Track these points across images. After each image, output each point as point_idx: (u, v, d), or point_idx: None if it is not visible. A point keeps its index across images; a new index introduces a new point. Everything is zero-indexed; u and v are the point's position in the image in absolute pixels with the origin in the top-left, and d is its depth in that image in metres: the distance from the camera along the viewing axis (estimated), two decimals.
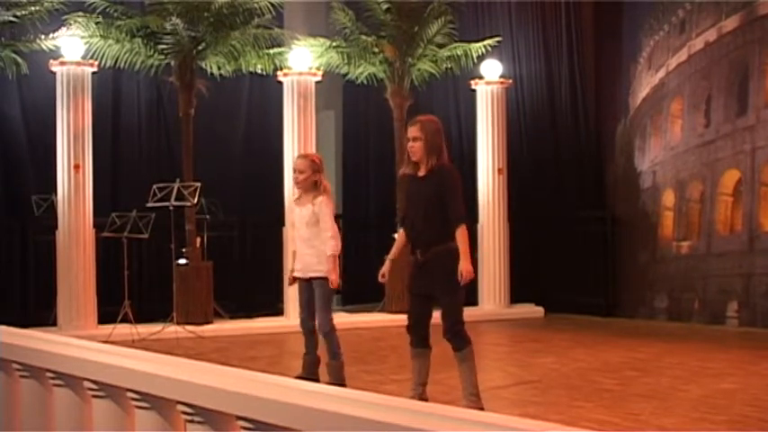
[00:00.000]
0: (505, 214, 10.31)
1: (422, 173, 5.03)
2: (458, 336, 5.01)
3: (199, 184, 9.10)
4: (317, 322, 5.87)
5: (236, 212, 10.31)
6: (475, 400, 5.02)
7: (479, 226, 10.24)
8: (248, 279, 10.32)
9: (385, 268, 5.18)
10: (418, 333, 5.12)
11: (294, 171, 5.95)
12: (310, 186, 5.83)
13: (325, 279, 5.78)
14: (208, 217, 9.71)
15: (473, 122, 10.55)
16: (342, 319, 9.28)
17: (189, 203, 9.09)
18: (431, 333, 5.16)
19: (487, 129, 10.27)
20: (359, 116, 11.45)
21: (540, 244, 10.77)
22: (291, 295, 8.57)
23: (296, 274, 5.95)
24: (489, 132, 10.27)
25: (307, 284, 5.91)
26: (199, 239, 9.48)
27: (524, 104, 11.07)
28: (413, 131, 5.05)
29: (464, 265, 4.85)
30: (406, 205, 5.13)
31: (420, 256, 5.01)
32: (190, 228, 9.43)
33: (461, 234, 4.88)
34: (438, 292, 4.99)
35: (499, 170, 10.23)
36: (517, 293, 10.40)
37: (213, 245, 9.78)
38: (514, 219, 10.41)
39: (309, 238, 5.81)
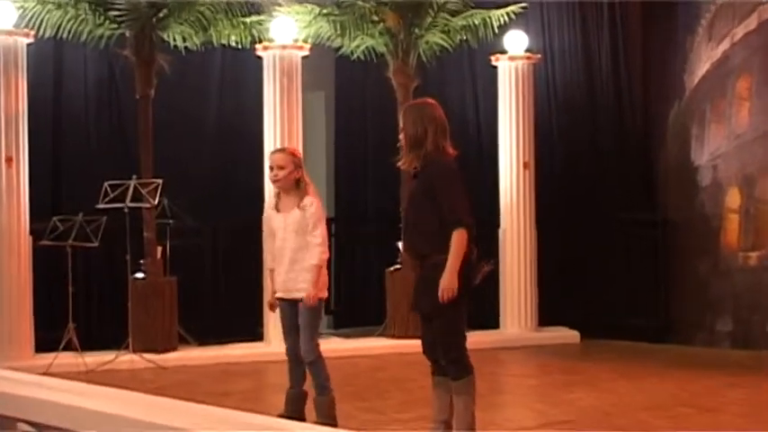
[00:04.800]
0: (533, 217, 10.29)
1: (414, 171, 5.15)
2: (455, 363, 5.09)
3: (160, 182, 9.10)
4: (301, 349, 5.96)
5: (206, 216, 10.22)
6: None
7: (501, 231, 10.28)
8: (221, 297, 10.34)
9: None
10: (432, 359, 5.22)
11: (271, 168, 6.00)
12: (292, 185, 5.91)
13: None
14: (171, 221, 9.70)
15: (493, 107, 10.51)
16: (334, 345, 9.34)
17: (148, 205, 9.11)
18: None
19: (511, 114, 10.26)
20: (355, 99, 11.39)
21: (574, 253, 10.71)
22: (274, 317, 7.77)
23: (279, 295, 6.03)
24: (513, 118, 10.25)
25: (292, 306, 6.00)
26: (160, 249, 9.51)
27: (556, 84, 10.99)
28: (402, 121, 5.18)
29: (445, 279, 4.90)
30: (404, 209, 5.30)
31: (418, 270, 5.18)
32: (149, 235, 9.43)
33: (456, 239, 4.94)
34: (429, 312, 5.09)
35: (525, 164, 10.23)
36: (547, 314, 10.36)
37: (178, 255, 9.76)
38: (543, 223, 10.38)
39: (298, 249, 5.88)
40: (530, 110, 10.32)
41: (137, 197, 8.94)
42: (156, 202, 9.17)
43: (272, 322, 8.81)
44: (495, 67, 10.38)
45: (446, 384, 5.16)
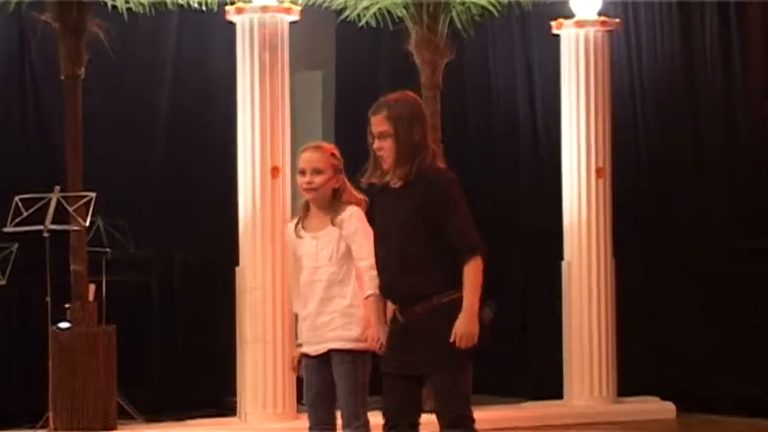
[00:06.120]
0: (609, 245, 9.79)
1: (395, 184, 5.15)
2: (461, 425, 5.09)
3: (93, 195, 8.77)
4: (341, 421, 5.72)
5: (156, 242, 10.08)
6: None
7: (564, 265, 9.75)
8: (177, 355, 10.12)
9: (378, 334, 5.36)
10: (397, 423, 5.18)
11: (302, 172, 5.83)
12: (328, 197, 5.77)
13: (354, 353, 5.64)
14: (108, 250, 9.45)
15: (554, 92, 10.07)
16: None
17: (76, 227, 8.85)
18: None
19: (578, 103, 9.78)
20: (362, 81, 11.06)
21: (668, 295, 10.31)
22: (251, 383, 8.68)
23: (304, 350, 5.80)
24: (581, 109, 9.79)
25: (320, 363, 5.74)
26: (93, 288, 9.20)
27: (641, 62, 10.55)
28: (377, 123, 5.17)
29: (462, 323, 4.95)
30: (375, 235, 5.33)
31: (401, 317, 5.13)
32: (77, 268, 9.03)
33: (472, 271, 5.00)
34: (427, 367, 5.05)
35: (598, 171, 9.73)
36: (630, 379, 9.88)
37: (118, 297, 9.51)
38: (624, 253, 9.92)
39: (333, 283, 5.76)
40: (604, 97, 9.87)
41: (60, 217, 8.80)
42: (88, 222, 8.97)
43: (250, 391, 8.76)
44: (557, 37, 9.92)
45: None
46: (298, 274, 5.97)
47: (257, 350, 8.59)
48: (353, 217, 5.73)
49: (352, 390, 5.70)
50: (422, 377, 5.16)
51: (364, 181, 5.35)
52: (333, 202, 5.80)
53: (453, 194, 5.09)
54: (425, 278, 5.07)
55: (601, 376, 9.72)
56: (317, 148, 6.00)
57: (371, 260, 5.58)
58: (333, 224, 5.75)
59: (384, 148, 5.12)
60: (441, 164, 5.25)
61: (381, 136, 5.13)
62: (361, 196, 5.83)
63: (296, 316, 6.00)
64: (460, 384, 5.12)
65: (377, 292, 5.55)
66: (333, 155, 5.89)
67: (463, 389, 5.13)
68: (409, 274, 5.09)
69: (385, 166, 5.14)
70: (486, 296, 5.20)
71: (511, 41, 10.88)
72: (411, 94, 5.34)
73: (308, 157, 5.87)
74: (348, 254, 5.72)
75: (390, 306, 5.32)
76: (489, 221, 9.80)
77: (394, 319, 5.23)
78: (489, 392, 9.51)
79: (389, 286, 5.22)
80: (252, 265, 8.72)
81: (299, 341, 5.92)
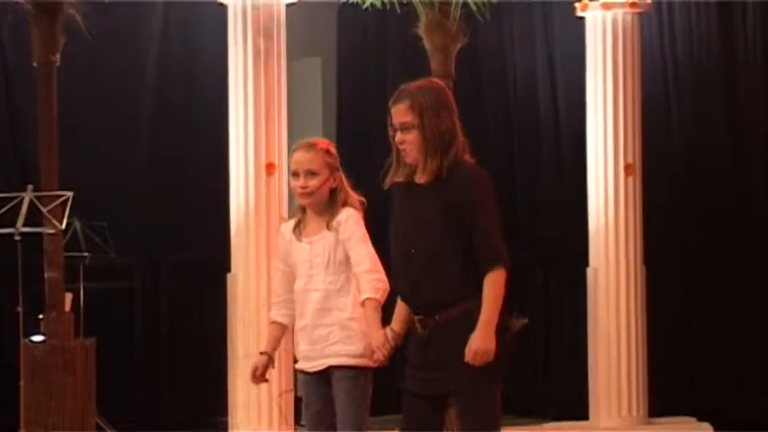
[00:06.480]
0: (640, 249, 9.63)
1: (422, 179, 5.12)
2: None
3: (70, 194, 8.64)
4: None
5: (140, 247, 10.06)
6: None
7: (590, 272, 9.58)
8: (162, 371, 10.06)
9: (385, 340, 5.30)
10: None
11: (296, 175, 5.82)
12: (325, 200, 5.77)
13: (355, 369, 5.61)
14: (87, 255, 9.44)
15: (578, 81, 9.95)
16: None
17: (51, 230, 8.67)
18: None
19: (605, 91, 9.64)
20: (366, 68, 11.08)
21: (705, 305, 10.26)
22: (243, 402, 8.57)
23: (300, 366, 5.81)
24: (608, 98, 9.65)
25: (319, 380, 5.73)
26: (70, 297, 9.05)
27: (675, 47, 10.48)
28: (398, 113, 5.14)
29: (478, 338, 4.93)
30: (396, 236, 5.26)
31: (421, 328, 5.06)
32: (52, 275, 8.77)
33: (494, 282, 4.96)
34: (452, 385, 4.99)
35: (627, 167, 9.59)
36: (663, 398, 9.74)
37: (97, 306, 9.51)
38: (657, 259, 9.77)
39: (330, 293, 5.75)
40: (634, 85, 9.73)
41: (34, 218, 8.70)
42: (64, 225, 8.80)
43: (241, 405, 8.64)
44: (582, 20, 9.77)
45: None
46: (285, 281, 5.91)
47: (251, 366, 8.47)
48: (350, 220, 5.69)
49: (352, 409, 5.63)
50: (445, 396, 5.07)
51: (388, 181, 5.27)
52: (330, 204, 5.76)
53: (485, 193, 5.05)
54: (452, 283, 5.01)
55: (630, 394, 9.57)
56: (310, 146, 5.89)
57: (369, 264, 5.60)
58: (329, 228, 5.71)
59: (407, 141, 5.06)
60: (468, 157, 5.18)
61: (404, 128, 5.07)
62: (359, 197, 5.80)
63: (275, 324, 5.90)
64: (489, 405, 5.01)
65: (376, 296, 5.55)
66: (327, 152, 5.82)
67: (492, 410, 5.03)
68: (434, 278, 5.03)
69: (408, 160, 5.07)
70: (507, 306, 5.13)
71: (531, 25, 10.73)
72: (436, 80, 5.31)
73: (299, 158, 5.80)
74: (347, 261, 5.66)
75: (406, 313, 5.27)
76: (507, 224, 9.63)
77: (413, 330, 5.15)
78: (508, 412, 9.30)
79: (411, 292, 5.15)
80: (245, 271, 8.63)
81: (295, 356, 5.86)
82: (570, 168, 10.21)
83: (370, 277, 5.61)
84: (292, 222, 5.93)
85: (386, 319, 5.99)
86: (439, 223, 5.03)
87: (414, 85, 5.18)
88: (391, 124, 5.12)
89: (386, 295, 5.62)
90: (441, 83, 5.28)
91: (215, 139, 9.35)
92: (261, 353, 5.91)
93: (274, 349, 5.91)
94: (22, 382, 8.48)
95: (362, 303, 5.57)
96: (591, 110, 9.67)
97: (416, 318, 5.10)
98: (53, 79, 8.83)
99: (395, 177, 5.17)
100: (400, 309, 5.31)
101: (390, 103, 5.18)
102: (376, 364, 5.48)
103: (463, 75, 9.72)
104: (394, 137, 5.12)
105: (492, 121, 10.76)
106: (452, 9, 9.46)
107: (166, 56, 10.36)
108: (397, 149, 5.13)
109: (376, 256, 5.74)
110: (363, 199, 5.81)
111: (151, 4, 10.10)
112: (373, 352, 5.42)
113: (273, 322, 5.92)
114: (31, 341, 8.61)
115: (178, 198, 10.21)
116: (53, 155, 8.81)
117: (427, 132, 5.04)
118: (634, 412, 9.55)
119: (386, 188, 5.38)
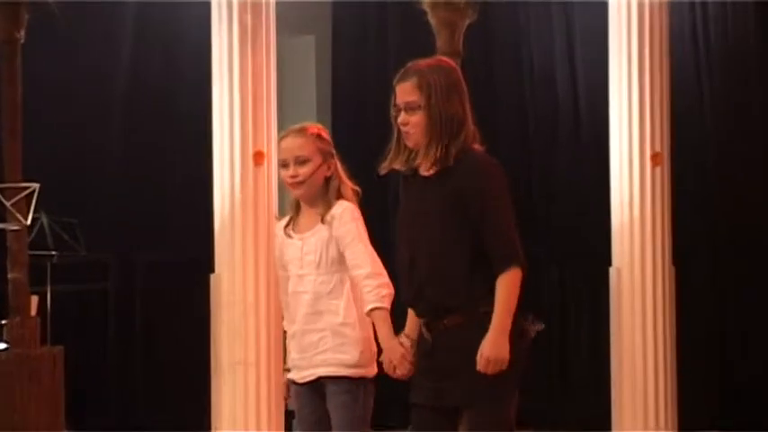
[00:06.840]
0: (668, 247, 9.47)
1: (427, 170, 5.10)
2: None
3: (35, 186, 8.68)
4: None
5: (114, 244, 10.09)
6: None
7: (613, 272, 9.43)
8: (138, 381, 10.11)
9: (404, 351, 5.25)
10: None
11: (285, 164, 5.82)
12: (319, 190, 5.77)
13: (352, 381, 5.61)
14: (55, 254, 9.54)
15: (600, 65, 9.78)
16: None
17: (14, 226, 8.70)
18: None
19: (630, 78, 9.50)
20: (364, 46, 11.11)
21: (739, 309, 10.16)
22: (228, 415, 8.63)
23: (291, 376, 5.80)
24: (633, 85, 9.51)
25: (310, 392, 5.73)
26: (36, 300, 9.06)
27: (708, 31, 10.44)
28: (403, 92, 5.12)
29: (489, 344, 4.89)
30: (399, 232, 5.28)
31: (428, 333, 5.07)
32: (16, 276, 8.73)
33: (508, 284, 4.95)
34: (462, 396, 4.98)
35: (654, 157, 9.41)
36: (693, 411, 9.67)
37: (66, 310, 9.61)
38: (687, 259, 9.70)
39: (321, 294, 5.75)
40: (662, 71, 9.60)
41: None
42: (30, 220, 8.84)
43: (226, 423, 8.64)
44: (605, 4, 9.62)
45: None
46: (285, 284, 5.91)
47: (237, 375, 8.50)
48: (345, 215, 5.63)
49: (349, 425, 5.61)
50: (456, 408, 5.05)
51: (385, 166, 5.23)
52: (324, 194, 5.74)
53: (497, 183, 5.04)
54: (460, 285, 5.01)
55: (657, 406, 9.46)
56: (300, 131, 5.87)
57: (369, 268, 5.57)
58: (323, 222, 5.68)
59: (411, 123, 5.03)
60: (478, 147, 5.14)
61: (409, 108, 5.03)
62: (354, 187, 5.77)
63: (284, 334, 5.94)
64: (503, 418, 5.04)
65: (384, 305, 5.50)
66: (319, 136, 5.80)
67: (506, 423, 5.05)
68: (441, 279, 5.04)
69: (410, 144, 5.05)
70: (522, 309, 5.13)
71: (548, 3, 10.62)
72: (447, 59, 5.33)
73: (288, 145, 5.78)
74: (340, 260, 5.63)
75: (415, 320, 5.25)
76: (522, 219, 9.83)
77: (420, 337, 5.16)
78: (526, 424, 9.23)
79: (416, 295, 5.14)
80: (230, 271, 8.56)
81: (286, 365, 5.88)
82: (591, 158, 10.13)
83: (373, 283, 5.55)
84: (285, 220, 5.90)
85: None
86: (442, 216, 5.02)
87: (423, 62, 5.16)
88: (395, 104, 5.09)
89: (392, 299, 5.55)
90: (452, 62, 5.26)
91: (197, 126, 9.23)
92: (285, 369, 5.93)
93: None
94: None
95: (368, 315, 5.50)
96: (614, 93, 9.52)
97: (422, 321, 5.10)
98: (17, 58, 8.71)
99: (393, 164, 5.16)
100: (413, 312, 5.29)
101: (395, 81, 5.13)
102: (400, 378, 5.33)
103: (472, 54, 9.62)
104: (396, 117, 5.08)
105: (504, 105, 10.70)
106: None
107: (143, 32, 10.34)
108: (399, 132, 5.11)
109: (376, 256, 5.66)
110: (358, 188, 5.78)
111: None
112: (395, 367, 5.32)
113: (285, 331, 5.92)
114: None
115: (156, 191, 10.22)
116: (17, 143, 8.71)
117: (434, 114, 5.01)
118: (661, 425, 9.41)
119: (382, 173, 5.33)
